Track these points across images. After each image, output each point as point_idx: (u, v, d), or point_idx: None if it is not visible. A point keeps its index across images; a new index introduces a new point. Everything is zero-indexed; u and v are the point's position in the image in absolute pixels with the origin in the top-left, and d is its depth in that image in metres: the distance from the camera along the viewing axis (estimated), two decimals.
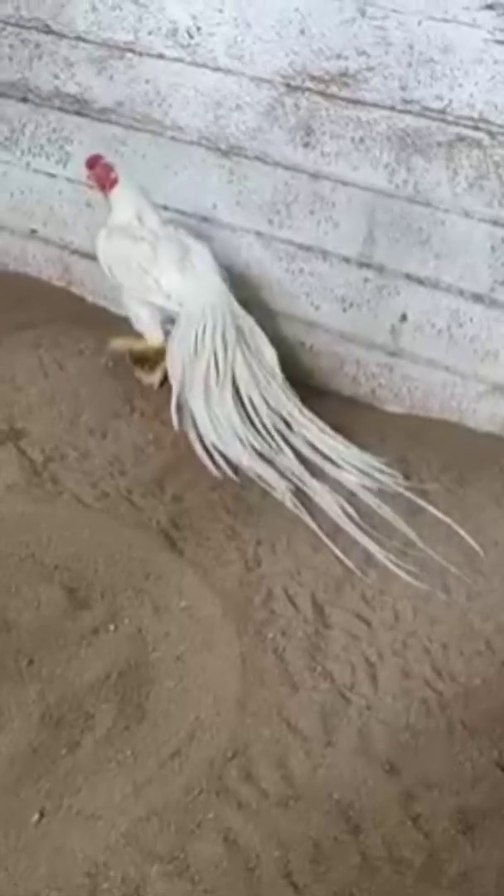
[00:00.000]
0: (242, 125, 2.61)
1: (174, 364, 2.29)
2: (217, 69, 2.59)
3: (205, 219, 2.74)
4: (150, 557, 1.86)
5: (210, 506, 2.07)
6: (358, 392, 2.71)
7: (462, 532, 2.08)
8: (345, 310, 2.65)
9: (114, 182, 2.48)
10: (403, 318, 2.59)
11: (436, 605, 1.90)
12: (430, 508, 2.14)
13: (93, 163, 2.52)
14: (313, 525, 2.04)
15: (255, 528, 2.05)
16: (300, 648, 1.75)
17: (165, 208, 2.77)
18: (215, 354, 2.29)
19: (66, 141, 2.86)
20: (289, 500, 2.12)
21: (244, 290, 2.74)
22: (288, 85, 2.52)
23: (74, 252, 2.96)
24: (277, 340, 2.74)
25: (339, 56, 2.43)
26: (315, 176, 2.56)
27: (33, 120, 2.89)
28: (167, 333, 2.39)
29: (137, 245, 2.39)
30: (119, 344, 2.52)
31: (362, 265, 2.58)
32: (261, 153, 2.61)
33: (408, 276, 2.55)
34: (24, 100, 2.87)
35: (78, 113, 2.81)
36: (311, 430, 2.32)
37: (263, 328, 2.73)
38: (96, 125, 2.80)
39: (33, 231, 3.01)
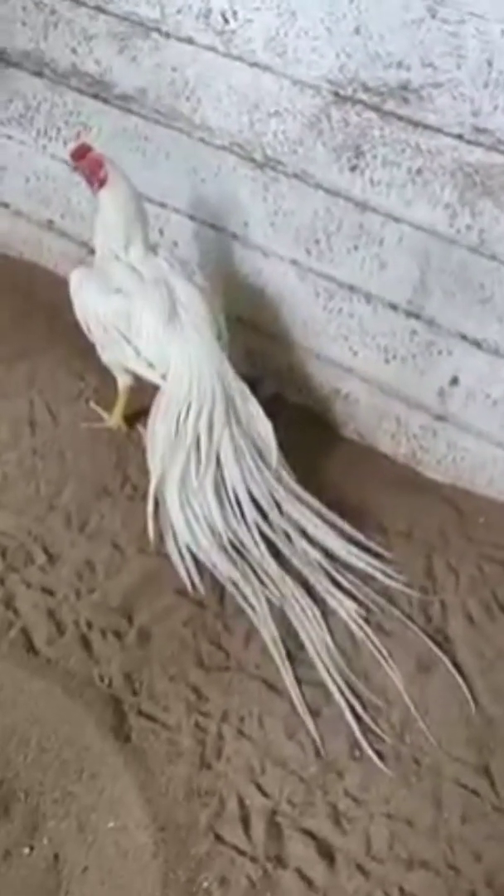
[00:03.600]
0: (281, 135, 2.10)
1: (153, 451, 1.89)
2: (254, 64, 2.06)
3: (235, 236, 2.27)
4: (90, 744, 1.49)
5: (178, 650, 1.70)
6: (397, 452, 2.28)
7: (472, 701, 1.69)
8: (387, 361, 2.19)
9: (103, 180, 1.97)
10: (454, 381, 2.12)
11: (420, 833, 1.49)
12: (445, 659, 1.75)
13: (80, 154, 1.99)
14: (292, 693, 1.66)
15: (225, 689, 1.66)
16: None
17: (192, 218, 2.32)
18: (198, 441, 1.87)
19: (84, 127, 2.39)
20: (268, 635, 1.73)
21: (273, 324, 2.30)
22: (336, 94, 1.99)
23: (93, 251, 2.54)
24: (310, 383, 2.32)
25: (399, 65, 1.89)
26: (362, 206, 2.06)
27: (49, 99, 2.41)
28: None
29: (113, 301, 1.93)
30: (114, 422, 2.15)
31: (410, 315, 2.10)
32: (301, 171, 2.11)
33: (463, 337, 2.06)
34: (39, 74, 2.39)
35: (96, 97, 2.33)
36: (307, 526, 1.91)
37: (292, 369, 2.33)
38: (116, 114, 2.31)
39: (50, 222, 2.59)
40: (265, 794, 1.51)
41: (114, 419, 2.14)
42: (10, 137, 2.52)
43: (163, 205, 2.33)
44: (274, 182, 2.15)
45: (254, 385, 2.41)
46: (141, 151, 2.31)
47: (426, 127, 1.91)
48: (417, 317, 2.09)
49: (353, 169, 2.03)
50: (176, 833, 1.42)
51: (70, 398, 2.21)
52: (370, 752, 1.59)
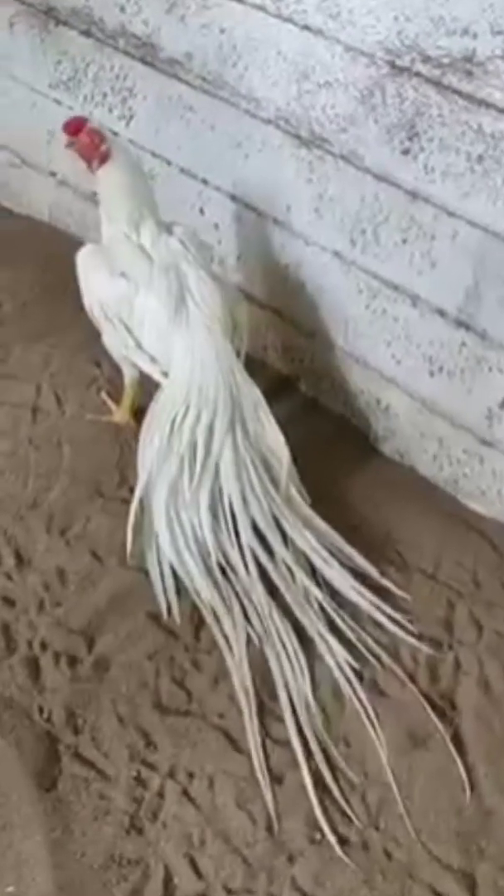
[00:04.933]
0: (331, 110, 1.83)
1: (143, 455, 1.66)
2: (305, 27, 1.79)
3: (276, 221, 2.01)
4: (7, 789, 1.29)
5: (136, 687, 1.47)
6: (437, 476, 1.99)
7: (468, 787, 1.40)
8: (432, 373, 1.90)
9: (104, 157, 1.72)
10: None
11: None
12: (444, 732, 1.47)
13: (75, 127, 1.73)
14: (254, 752, 1.40)
15: (178, 738, 1.42)
16: None
17: (233, 198, 2.08)
18: (194, 448, 1.63)
19: (130, 94, 2.17)
20: (238, 680, 1.48)
21: (312, 321, 2.04)
22: (392, 64, 1.71)
23: None
24: (347, 389, 2.05)
25: (465, 31, 1.59)
26: (413, 195, 1.77)
27: (97, 61, 2.20)
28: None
29: (117, 285, 1.71)
30: (120, 417, 1.93)
31: (460, 325, 1.81)
32: (349, 152, 1.83)
33: None
34: (88, 33, 2.18)
35: (143, 60, 2.10)
36: (313, 557, 1.64)
37: (329, 372, 2.06)
38: (162, 80, 2.08)
39: (95, 194, 2.39)
40: (198, 874, 1.26)
41: (120, 414, 1.93)
42: (58, 102, 2.33)
43: (205, 182, 2.10)
44: (320, 162, 1.88)
45: (289, 384, 2.19)
46: (185, 122, 2.07)
47: (490, 106, 1.61)
48: (468, 327, 1.79)
49: (405, 152, 1.75)
50: None
51: (81, 385, 2.01)
52: (331, 837, 1.33)
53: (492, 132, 1.62)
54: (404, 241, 1.82)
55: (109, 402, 1.97)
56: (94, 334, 2.03)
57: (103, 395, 1.99)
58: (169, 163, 2.16)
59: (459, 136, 1.66)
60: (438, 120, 1.68)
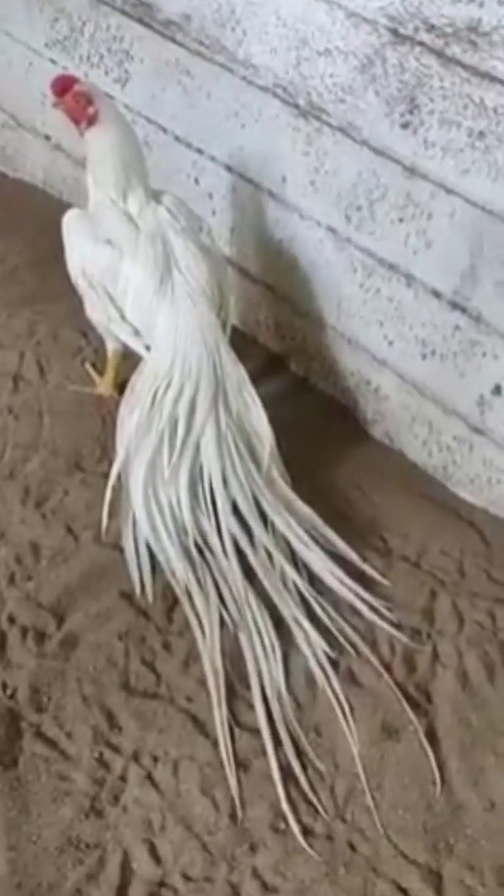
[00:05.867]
0: (329, 79, 1.77)
1: (121, 429, 1.62)
2: None
3: (271, 194, 1.96)
4: None
5: (104, 667, 1.43)
6: (426, 462, 1.94)
7: (439, 781, 1.36)
8: (424, 356, 1.85)
9: (92, 118, 1.65)
10: (497, 390, 1.76)
11: None
12: (418, 725, 1.43)
13: (63, 86, 1.65)
14: (221, 738, 1.36)
15: (145, 721, 1.38)
16: None
17: (229, 169, 2.02)
18: (175, 424, 1.58)
19: (126, 56, 2.11)
20: (209, 662, 1.44)
21: (305, 298, 1.99)
22: (395, 32, 1.64)
23: None
24: (338, 370, 2.00)
25: (471, 0, 1.53)
26: (411, 171, 1.71)
27: (93, 20, 2.14)
28: None
29: (101, 252, 1.66)
30: (104, 389, 1.88)
31: (455, 307, 1.76)
32: (347, 123, 1.77)
33: None
34: None
35: (141, 21, 2.03)
36: (292, 541, 1.60)
37: (320, 351, 2.02)
38: (159, 42, 2.02)
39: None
40: (156, 860, 1.23)
41: (104, 386, 1.88)
42: (54, 62, 2.26)
43: (200, 151, 2.04)
44: (318, 134, 1.82)
45: (279, 363, 2.14)
46: (182, 87, 2.01)
47: (494, 80, 1.55)
48: (463, 309, 1.74)
49: (405, 126, 1.69)
50: (33, 893, 1.17)
51: (66, 355, 1.96)
52: (295, 827, 1.30)
53: (494, 107, 1.56)
54: (400, 220, 1.76)
55: (94, 374, 1.92)
56: (83, 304, 1.98)
57: (88, 366, 1.94)
58: (164, 130, 2.10)
59: (461, 110, 1.60)
60: (440, 92, 1.62)
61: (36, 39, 2.28)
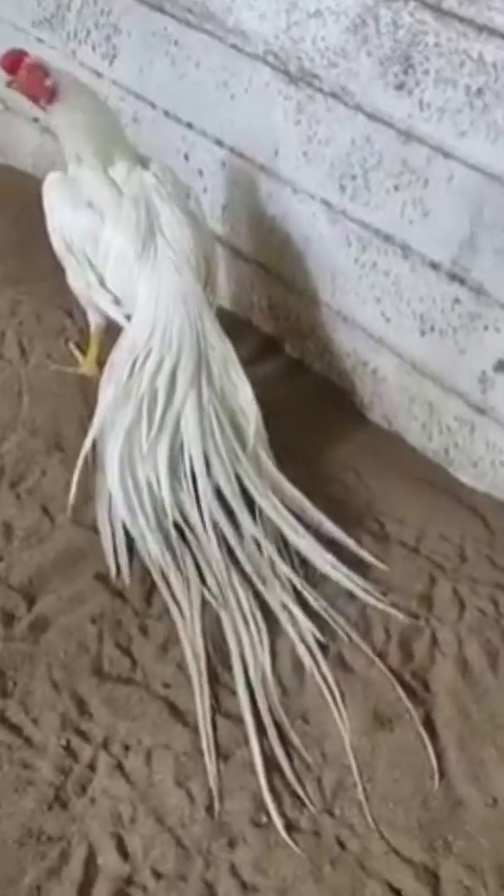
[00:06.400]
0: (321, 42, 1.69)
1: (101, 399, 1.53)
2: None
3: (263, 167, 1.88)
4: None
5: (75, 651, 1.33)
6: (426, 446, 1.85)
7: (437, 774, 1.26)
8: (423, 332, 1.76)
9: (51, 94, 1.53)
10: (500, 365, 1.67)
11: None
12: (414, 714, 1.32)
13: (12, 62, 1.53)
14: (201, 725, 1.26)
15: (117, 708, 1.28)
16: None
17: (219, 143, 1.94)
18: (154, 397, 1.49)
19: (114, 30, 2.04)
20: (188, 644, 1.35)
21: (298, 276, 1.91)
22: None
23: None
24: (333, 351, 1.92)
25: None
26: (407, 135, 1.63)
27: None
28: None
29: (81, 216, 1.57)
30: (88, 368, 1.79)
31: (454, 279, 1.67)
32: (339, 88, 1.70)
33: None
34: None
35: None
36: (280, 524, 1.51)
37: (315, 331, 1.93)
38: (146, 14, 1.95)
39: None
40: (124, 855, 1.13)
41: (87, 365, 1.80)
42: (40, 41, 2.21)
43: (189, 125, 1.97)
44: (309, 101, 1.75)
45: (274, 345, 2.06)
46: (170, 58, 1.94)
47: (493, 32, 1.47)
48: (462, 281, 1.66)
49: (399, 87, 1.61)
50: None
51: (50, 335, 1.88)
52: (277, 820, 1.19)
53: (493, 62, 1.48)
54: (396, 188, 1.68)
55: (77, 354, 1.84)
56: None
57: (71, 345, 1.86)
58: (153, 106, 2.03)
59: (457, 68, 1.53)
60: (435, 50, 1.54)
61: (23, 18, 2.22)
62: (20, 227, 2.13)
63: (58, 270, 1.73)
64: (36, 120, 2.32)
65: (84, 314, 1.80)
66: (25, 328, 1.90)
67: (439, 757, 1.30)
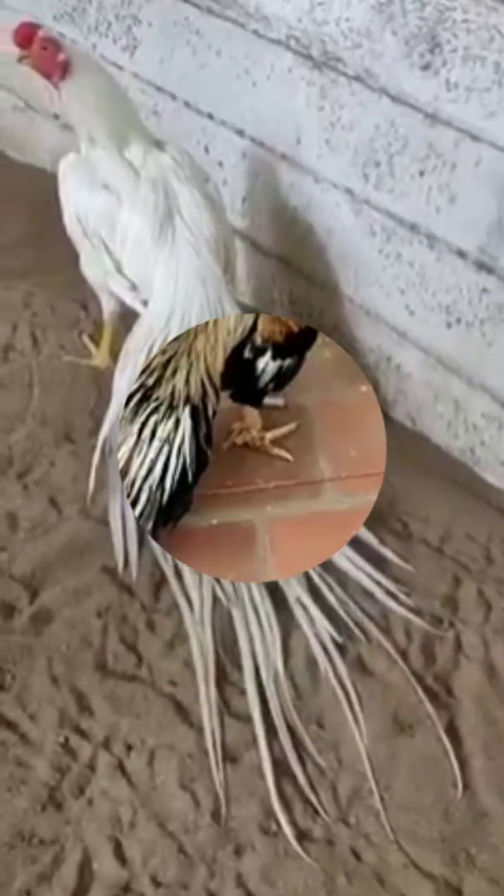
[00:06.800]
0: (345, 24, 1.64)
1: (115, 388, 1.47)
2: None
3: (284, 157, 1.83)
4: None
5: (78, 645, 1.27)
6: (451, 444, 1.77)
7: (460, 783, 1.17)
8: (449, 325, 1.69)
9: (64, 68, 1.47)
10: None
11: None
12: (436, 719, 1.24)
13: (25, 36, 1.47)
14: (207, 725, 1.19)
15: (120, 705, 1.21)
16: None
17: (240, 134, 1.89)
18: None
19: (134, 21, 2.01)
20: (196, 641, 1.27)
21: (320, 269, 1.84)
22: None
23: None
24: (357, 347, 1.85)
25: None
26: (433, 118, 1.57)
27: None
28: None
29: (98, 198, 1.51)
30: (101, 360, 1.74)
31: (482, 267, 1.60)
32: (364, 71, 1.64)
33: None
34: None
35: None
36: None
37: (338, 327, 1.86)
38: (168, 3, 1.92)
39: None
40: (122, 861, 1.05)
41: (100, 356, 1.74)
42: (61, 35, 2.15)
43: (210, 116, 1.92)
44: (333, 85, 1.69)
45: None
46: (191, 47, 1.90)
47: None
48: (490, 270, 1.58)
49: (425, 67, 1.55)
50: None
51: (63, 327, 1.83)
52: (287, 828, 1.11)
53: None
54: (421, 173, 1.62)
55: (90, 346, 1.79)
56: (84, 277, 1.86)
57: (85, 337, 1.81)
58: (174, 97, 1.98)
59: (487, 44, 1.46)
60: (463, 26, 1.48)
61: (43, 13, 2.19)
62: (35, 221, 2.09)
63: (73, 263, 1.69)
64: (56, 117, 2.28)
65: (98, 306, 1.75)
66: (39, 319, 1.85)
67: (462, 765, 1.21)
